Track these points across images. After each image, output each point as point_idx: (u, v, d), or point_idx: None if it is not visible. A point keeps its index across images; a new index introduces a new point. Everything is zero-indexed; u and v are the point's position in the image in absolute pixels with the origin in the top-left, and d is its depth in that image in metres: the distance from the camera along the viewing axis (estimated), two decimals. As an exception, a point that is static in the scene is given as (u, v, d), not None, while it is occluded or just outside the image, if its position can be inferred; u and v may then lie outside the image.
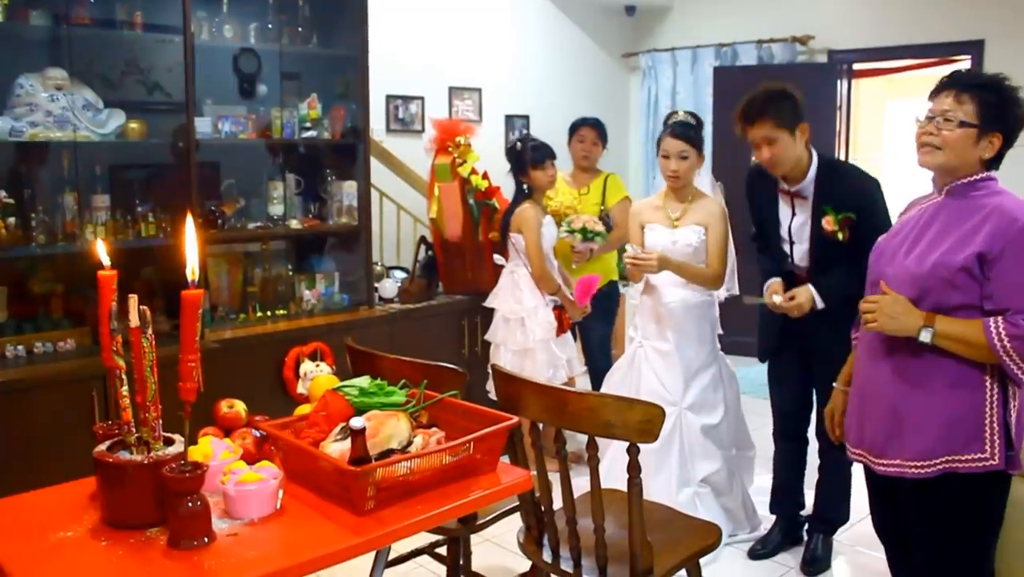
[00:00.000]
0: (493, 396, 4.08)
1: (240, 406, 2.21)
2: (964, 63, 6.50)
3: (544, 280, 4.17)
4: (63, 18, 3.46)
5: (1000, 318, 2.08)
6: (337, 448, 1.92)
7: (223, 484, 1.78)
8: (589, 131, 4.66)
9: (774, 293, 3.24)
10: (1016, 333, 2.06)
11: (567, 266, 4.46)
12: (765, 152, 3.11)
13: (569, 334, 4.37)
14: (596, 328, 4.60)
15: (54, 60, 3.48)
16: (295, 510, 1.83)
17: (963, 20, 6.13)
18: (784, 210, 3.27)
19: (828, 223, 3.08)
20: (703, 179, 3.80)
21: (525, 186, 4.23)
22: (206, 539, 1.65)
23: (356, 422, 1.81)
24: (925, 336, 2.11)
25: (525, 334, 4.19)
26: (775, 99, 3.10)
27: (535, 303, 4.21)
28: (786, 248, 3.29)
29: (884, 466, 2.28)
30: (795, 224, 3.24)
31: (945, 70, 7.34)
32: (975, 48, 6.14)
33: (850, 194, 3.12)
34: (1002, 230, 2.11)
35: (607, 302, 4.61)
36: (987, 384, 2.16)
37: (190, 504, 1.64)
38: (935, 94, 2.25)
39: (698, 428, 3.60)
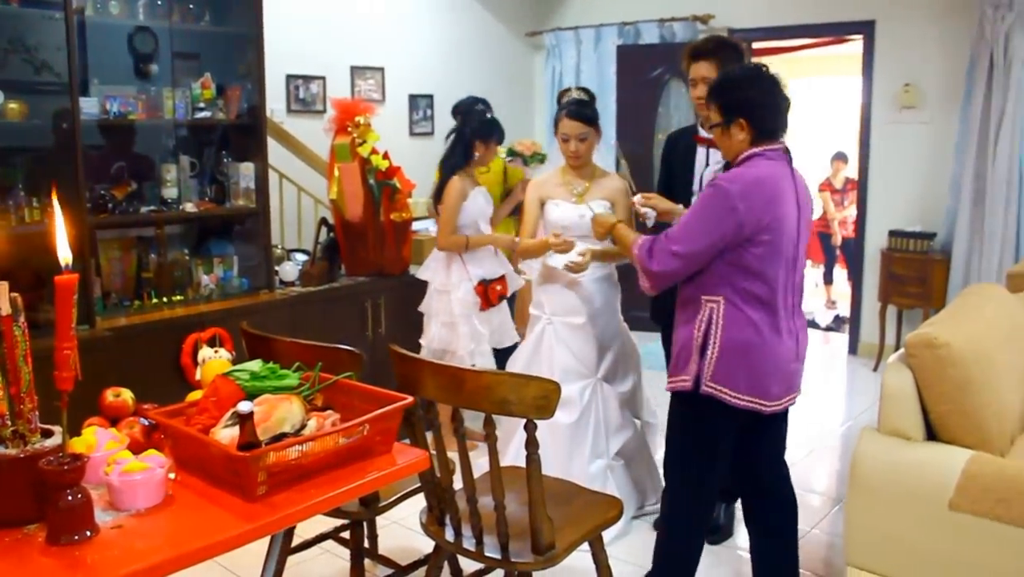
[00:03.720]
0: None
1: (127, 394, 2.15)
2: (856, 42, 6.71)
3: (450, 247, 4.20)
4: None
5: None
6: (227, 434, 1.88)
7: (107, 475, 1.73)
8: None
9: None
10: (642, 244, 2.66)
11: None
12: (700, 89, 3.25)
13: (503, 305, 4.38)
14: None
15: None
16: (184, 499, 1.78)
17: (855, 0, 6.31)
18: (699, 159, 3.41)
19: None
20: (607, 156, 3.83)
21: (469, 154, 4.21)
22: (88, 533, 1.60)
23: (243, 406, 1.78)
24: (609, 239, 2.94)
25: (451, 306, 4.25)
26: (724, 47, 3.33)
27: (458, 277, 4.25)
28: (694, 200, 3.37)
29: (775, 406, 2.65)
30: (707, 172, 3.36)
31: (842, 51, 7.54)
32: (866, 27, 6.33)
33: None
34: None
35: None
36: (701, 316, 2.62)
37: (70, 497, 1.58)
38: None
39: (614, 397, 3.65)
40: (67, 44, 3.43)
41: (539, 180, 3.84)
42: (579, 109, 3.56)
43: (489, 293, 4.27)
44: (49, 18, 3.50)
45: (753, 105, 2.55)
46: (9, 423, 1.69)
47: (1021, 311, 3.21)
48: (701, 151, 3.40)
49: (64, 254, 1.60)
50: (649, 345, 4.57)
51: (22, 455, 1.63)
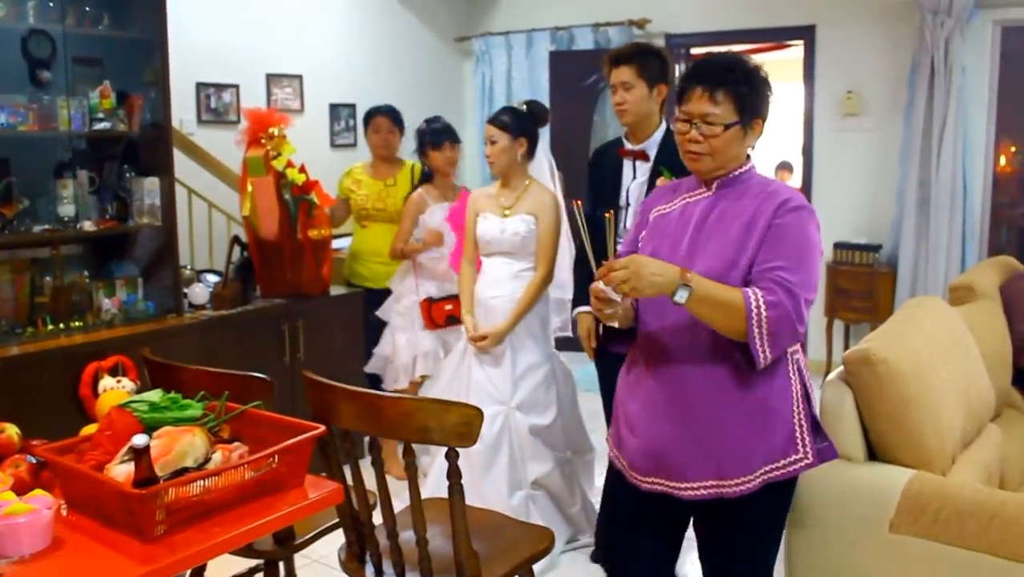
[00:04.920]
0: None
1: (12, 430, 2.11)
2: (797, 48, 6.87)
3: (391, 255, 4.61)
4: None
5: (756, 288, 2.10)
6: (123, 470, 1.85)
7: (-12, 518, 1.69)
8: (383, 120, 4.85)
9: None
10: (774, 300, 2.08)
11: None
12: (619, 95, 3.34)
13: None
14: None
15: None
16: (75, 542, 1.76)
17: (795, 5, 6.48)
18: (627, 173, 3.45)
19: (661, 182, 3.24)
20: (542, 167, 3.89)
21: (426, 168, 4.60)
22: (-34, 581, 1.57)
23: (139, 440, 1.75)
24: (681, 295, 2.04)
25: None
26: (645, 52, 3.39)
27: (407, 287, 4.57)
28: (621, 214, 3.43)
29: (693, 491, 2.22)
30: (634, 185, 3.41)
31: (784, 56, 7.66)
32: (807, 33, 6.50)
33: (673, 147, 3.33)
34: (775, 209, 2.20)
35: None
36: (792, 377, 2.24)
37: (-55, 543, 1.55)
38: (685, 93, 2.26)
39: (526, 428, 3.67)
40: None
41: (475, 193, 3.95)
42: (497, 114, 3.73)
43: (434, 311, 4.38)
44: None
45: (768, 106, 2.29)
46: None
47: (962, 325, 3.31)
48: (628, 164, 3.45)
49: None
50: (587, 367, 4.61)
51: None
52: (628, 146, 3.43)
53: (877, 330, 3.00)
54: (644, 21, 7.02)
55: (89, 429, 2.17)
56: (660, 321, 2.25)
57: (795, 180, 8.54)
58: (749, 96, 2.21)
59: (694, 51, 7.21)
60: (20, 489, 1.86)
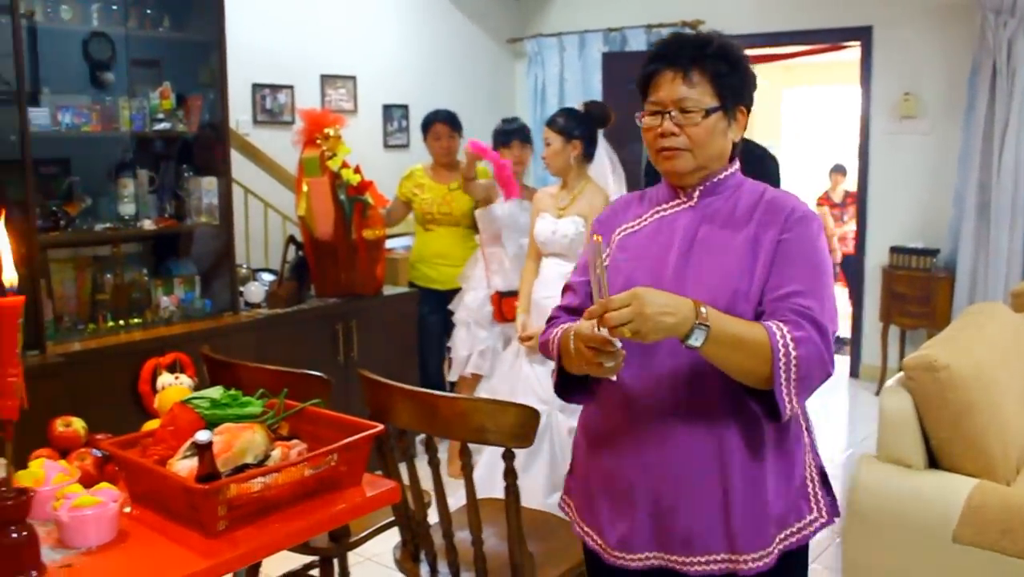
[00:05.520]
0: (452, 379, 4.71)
1: (78, 424, 2.14)
2: (853, 50, 6.79)
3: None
4: None
5: (780, 322, 1.72)
6: (185, 465, 1.87)
7: (55, 510, 1.72)
8: (442, 127, 4.90)
9: None
10: (802, 336, 1.70)
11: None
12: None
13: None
14: None
15: None
16: (139, 535, 1.78)
17: (852, 6, 6.40)
18: None
19: None
20: (603, 168, 3.90)
21: None
22: (34, 573, 1.59)
23: (202, 436, 1.77)
24: (697, 337, 1.63)
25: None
26: None
27: (477, 281, 4.63)
28: None
29: (702, 566, 1.83)
30: None
31: (840, 58, 7.60)
32: (864, 34, 6.41)
33: (752, 166, 3.27)
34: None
35: None
36: (800, 422, 1.92)
37: (14, 535, 1.57)
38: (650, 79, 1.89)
39: (567, 429, 3.69)
40: (14, 51, 3.43)
41: (540, 192, 3.99)
42: (553, 117, 3.76)
43: (504, 306, 4.41)
44: (-2, 23, 3.51)
45: (752, 92, 1.93)
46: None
47: (1026, 331, 3.25)
48: None
49: (9, 275, 1.60)
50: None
51: (-37, 490, 1.63)
52: None
53: (938, 336, 2.95)
54: (697, 22, 6.97)
55: (151, 424, 2.19)
56: (646, 366, 1.80)
57: (850, 183, 8.44)
58: (729, 76, 1.84)
59: (748, 52, 7.13)
60: (86, 482, 1.89)
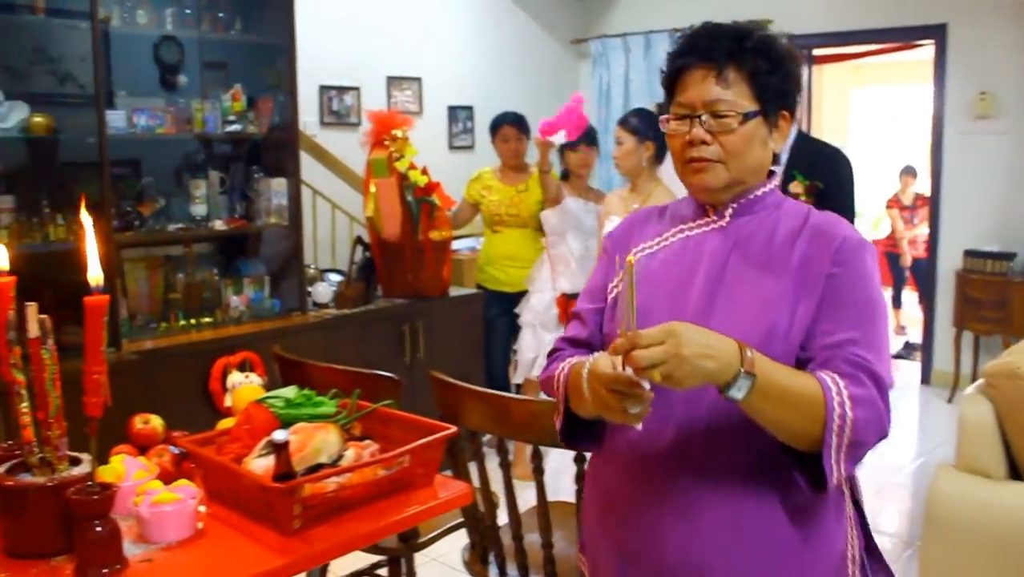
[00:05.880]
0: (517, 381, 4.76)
1: (156, 421, 2.18)
2: (926, 48, 6.65)
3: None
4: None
5: (832, 373, 1.46)
6: (261, 464, 1.89)
7: (136, 506, 1.75)
8: (510, 129, 4.92)
9: None
10: (862, 395, 1.44)
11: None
12: None
13: None
14: None
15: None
16: (216, 532, 1.80)
17: (925, 3, 6.27)
18: None
19: (795, 186, 3.18)
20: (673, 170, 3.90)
21: (563, 168, 4.80)
22: (117, 566, 1.62)
23: (279, 435, 1.79)
24: (740, 387, 1.36)
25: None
26: None
27: (542, 283, 4.67)
28: None
29: None
30: None
31: (911, 57, 7.44)
32: (938, 32, 6.28)
33: (823, 165, 3.23)
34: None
35: None
36: (847, 501, 1.66)
37: (98, 529, 1.60)
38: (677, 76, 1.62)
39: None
40: (93, 55, 3.51)
41: (610, 195, 4.01)
42: (625, 116, 3.75)
43: (570, 308, 4.41)
44: (73, 28, 3.59)
45: (798, 95, 1.66)
46: (36, 450, 1.72)
47: (1112, 338, 3.15)
48: None
49: (95, 274, 1.63)
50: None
51: (49, 483, 1.66)
52: None
53: (1021, 342, 2.87)
54: (765, 22, 6.86)
55: (226, 423, 2.22)
56: (656, 413, 1.45)
57: (921, 185, 8.27)
58: (771, 75, 1.57)
59: (817, 52, 7.06)
60: (164, 478, 1.92)
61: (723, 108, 1.55)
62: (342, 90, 6.04)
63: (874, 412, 1.44)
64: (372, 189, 4.45)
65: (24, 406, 1.70)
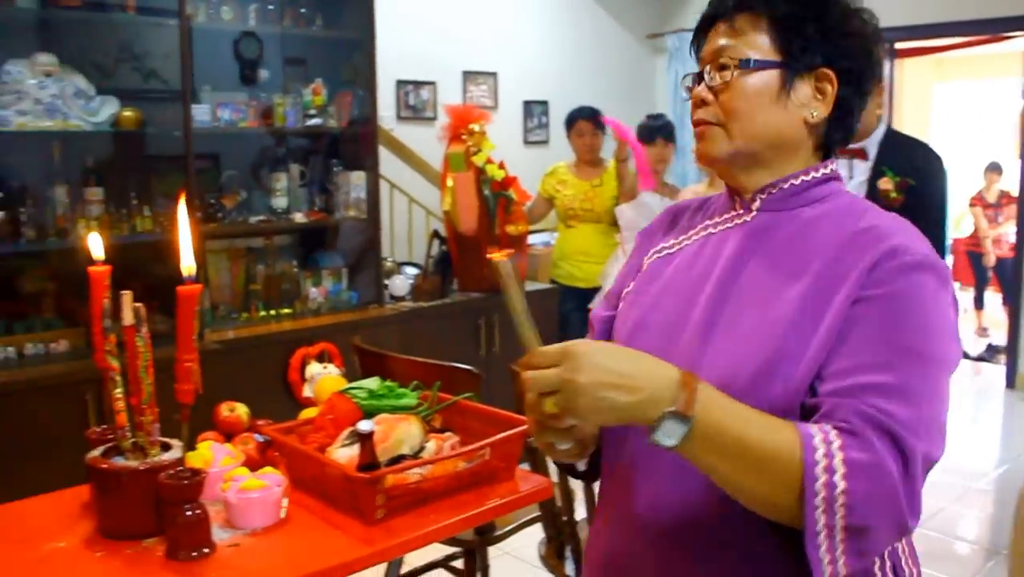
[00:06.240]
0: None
1: (242, 409, 2.22)
2: (1017, 40, 6.45)
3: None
4: (52, 0, 3.48)
5: (829, 426, 1.06)
6: (344, 453, 1.91)
7: (224, 492, 1.78)
8: (585, 124, 4.90)
9: None
10: (864, 460, 1.02)
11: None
12: None
13: None
14: None
15: (43, 45, 3.50)
16: (300, 519, 1.82)
17: (1015, -6, 6.08)
18: (841, 172, 3.29)
19: (884, 183, 3.11)
20: None
21: None
22: (206, 550, 1.65)
23: (364, 426, 1.81)
24: (670, 432, 1.02)
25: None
26: None
27: (613, 278, 4.54)
28: None
29: None
30: (851, 186, 3.29)
31: (998, 49, 7.26)
32: (1028, 24, 6.10)
33: (914, 161, 3.16)
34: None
35: None
36: None
37: (188, 513, 1.64)
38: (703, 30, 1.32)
39: None
40: (180, 51, 3.59)
41: (685, 191, 3.98)
42: None
43: None
44: (158, 25, 3.68)
45: (856, 51, 1.25)
46: (129, 434, 1.76)
47: None
48: (842, 163, 3.33)
49: (189, 264, 1.66)
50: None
51: (142, 467, 1.70)
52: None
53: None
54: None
55: (309, 412, 2.25)
56: (646, 468, 1.22)
57: (1006, 182, 8.04)
58: (803, 20, 1.22)
59: (899, 46, 6.89)
60: (249, 465, 1.95)
61: (724, 58, 1.23)
62: (418, 84, 6.08)
63: (880, 486, 1.02)
64: (449, 183, 4.48)
65: (118, 392, 1.74)
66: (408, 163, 5.52)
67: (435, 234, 4.67)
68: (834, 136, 1.29)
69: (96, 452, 1.78)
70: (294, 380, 3.91)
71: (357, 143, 4.37)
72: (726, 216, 1.32)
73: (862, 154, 3.25)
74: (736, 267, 1.24)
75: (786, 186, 1.26)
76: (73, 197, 3.55)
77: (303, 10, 4.22)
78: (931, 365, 1.10)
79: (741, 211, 1.30)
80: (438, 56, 6.16)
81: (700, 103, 1.26)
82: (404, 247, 5.45)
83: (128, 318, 1.69)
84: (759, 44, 1.22)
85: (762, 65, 1.22)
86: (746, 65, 1.22)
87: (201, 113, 3.83)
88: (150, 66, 3.80)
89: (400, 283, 4.46)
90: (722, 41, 1.24)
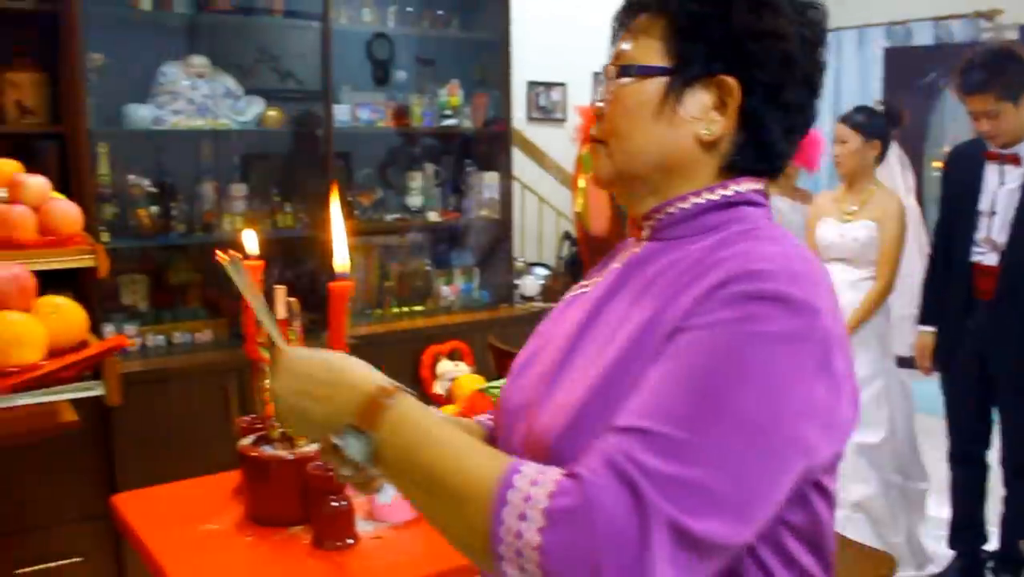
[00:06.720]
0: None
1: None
2: None
3: None
4: (205, 5, 3.61)
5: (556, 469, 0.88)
6: (484, 451, 1.92)
7: (367, 484, 1.81)
8: None
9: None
10: (574, 508, 0.83)
11: None
12: (984, 124, 3.06)
13: None
14: None
15: (195, 47, 3.64)
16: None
17: None
18: (991, 177, 3.18)
19: None
20: (892, 170, 3.70)
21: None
22: (350, 541, 1.68)
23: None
24: (354, 450, 0.93)
25: None
26: (997, 67, 3.01)
27: None
28: (982, 222, 3.16)
29: None
30: (1003, 192, 3.13)
31: None
32: None
33: None
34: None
35: None
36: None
37: (334, 504, 1.67)
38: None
39: (852, 445, 3.47)
40: (322, 52, 3.70)
41: (819, 197, 3.84)
42: (850, 113, 3.58)
43: None
44: (302, 27, 3.78)
45: (774, 54, 1.05)
46: (277, 425, 1.80)
47: None
48: (992, 168, 3.17)
49: (342, 260, 1.68)
50: (926, 384, 4.30)
51: (291, 457, 1.74)
52: (995, 149, 3.14)
53: None
54: (994, 12, 6.44)
55: (448, 409, 2.27)
56: None
57: None
58: (702, 21, 1.03)
59: None
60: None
61: (612, 65, 1.09)
62: (549, 86, 6.08)
63: (580, 541, 0.81)
64: (581, 184, 4.45)
65: (268, 382, 1.78)
66: (539, 164, 5.53)
67: (566, 235, 4.66)
68: (746, 156, 1.06)
69: (247, 440, 1.83)
70: (425, 377, 3.97)
71: (490, 144, 4.39)
72: (630, 243, 1.14)
73: (1015, 159, 3.09)
74: (602, 303, 1.07)
75: (672, 211, 1.07)
76: (220, 193, 3.67)
77: (440, 12, 4.26)
78: (739, 426, 0.86)
79: (637, 239, 1.13)
80: (569, 58, 6.15)
81: (597, 117, 1.11)
82: (534, 247, 5.45)
83: (281, 312, 1.74)
84: (652, 49, 1.05)
85: (645, 72, 1.04)
86: (627, 73, 1.05)
87: (341, 113, 3.91)
88: (287, 67, 3.91)
89: (531, 283, 4.47)
90: (622, 46, 1.09)
